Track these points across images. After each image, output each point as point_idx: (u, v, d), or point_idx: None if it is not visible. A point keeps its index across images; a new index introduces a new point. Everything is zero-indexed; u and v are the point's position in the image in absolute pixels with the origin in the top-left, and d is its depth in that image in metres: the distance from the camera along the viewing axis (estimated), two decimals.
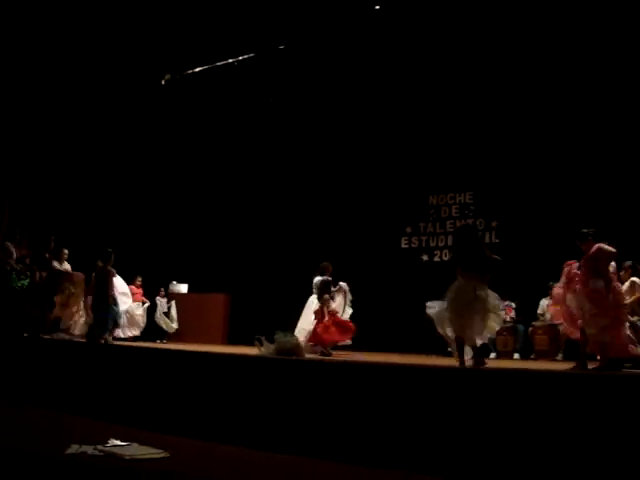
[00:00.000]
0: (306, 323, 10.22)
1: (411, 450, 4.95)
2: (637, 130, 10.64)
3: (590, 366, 6.66)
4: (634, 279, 8.20)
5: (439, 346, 8.74)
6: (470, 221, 12.26)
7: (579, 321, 6.74)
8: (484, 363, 6.81)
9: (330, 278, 10.27)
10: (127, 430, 5.30)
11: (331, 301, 10.13)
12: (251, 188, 14.96)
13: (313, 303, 10.32)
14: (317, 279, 10.37)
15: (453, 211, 12.91)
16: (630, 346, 6.59)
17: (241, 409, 5.79)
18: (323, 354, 9.35)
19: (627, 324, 6.94)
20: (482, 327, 6.68)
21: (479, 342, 6.85)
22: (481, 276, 6.72)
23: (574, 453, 4.41)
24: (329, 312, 9.89)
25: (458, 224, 12.29)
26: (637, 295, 8.06)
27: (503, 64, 11.90)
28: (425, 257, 13.02)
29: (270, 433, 5.52)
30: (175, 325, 13.63)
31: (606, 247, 6.72)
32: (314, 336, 9.72)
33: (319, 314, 9.85)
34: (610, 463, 4.28)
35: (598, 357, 6.66)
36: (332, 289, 10.32)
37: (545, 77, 11.58)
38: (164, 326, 13.51)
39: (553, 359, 10.13)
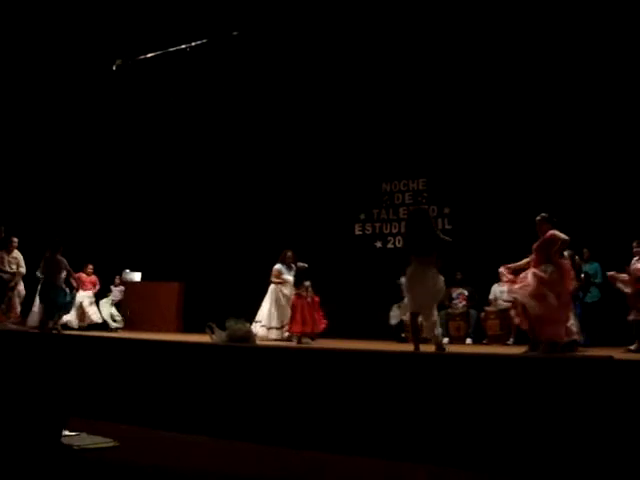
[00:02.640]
0: (272, 312, 10.28)
1: (365, 435, 5.00)
2: (591, 114, 10.85)
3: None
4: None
5: (393, 332, 8.84)
6: (423, 208, 12.35)
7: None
8: (444, 349, 6.97)
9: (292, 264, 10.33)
10: (76, 420, 5.24)
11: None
12: (204, 175, 14.81)
13: (274, 291, 10.41)
14: (277, 267, 10.43)
15: (406, 198, 13.00)
16: (571, 329, 6.79)
17: (193, 397, 5.77)
18: (300, 342, 9.27)
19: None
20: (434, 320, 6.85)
21: (439, 331, 7.03)
22: (435, 259, 6.84)
23: (526, 435, 4.52)
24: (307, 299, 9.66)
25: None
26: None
27: (453, 47, 11.97)
28: (379, 244, 13.09)
29: (223, 420, 5.51)
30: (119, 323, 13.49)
31: (560, 234, 6.88)
32: (296, 326, 9.49)
33: (300, 301, 9.59)
34: (558, 443, 4.40)
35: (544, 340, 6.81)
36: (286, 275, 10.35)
37: (495, 61, 11.68)
38: (109, 320, 13.31)
39: (505, 343, 10.30)
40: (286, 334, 9.96)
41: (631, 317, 7.97)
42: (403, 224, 12.56)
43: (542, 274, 6.69)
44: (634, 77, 10.30)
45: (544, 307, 6.59)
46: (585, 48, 10.77)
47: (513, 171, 11.50)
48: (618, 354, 6.56)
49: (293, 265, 10.45)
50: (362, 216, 13.36)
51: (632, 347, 7.81)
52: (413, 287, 6.77)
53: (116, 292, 13.58)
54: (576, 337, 7.55)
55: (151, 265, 14.43)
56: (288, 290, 10.34)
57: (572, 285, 7.14)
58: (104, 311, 13.22)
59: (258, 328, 9.99)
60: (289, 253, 10.54)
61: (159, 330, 12.49)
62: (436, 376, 5.17)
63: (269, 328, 10.24)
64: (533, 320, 6.77)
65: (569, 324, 6.91)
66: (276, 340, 10.01)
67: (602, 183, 10.58)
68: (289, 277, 10.44)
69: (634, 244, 8.29)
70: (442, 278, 6.90)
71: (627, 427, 4.32)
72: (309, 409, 5.37)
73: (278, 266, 10.51)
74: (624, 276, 8.23)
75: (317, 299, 9.80)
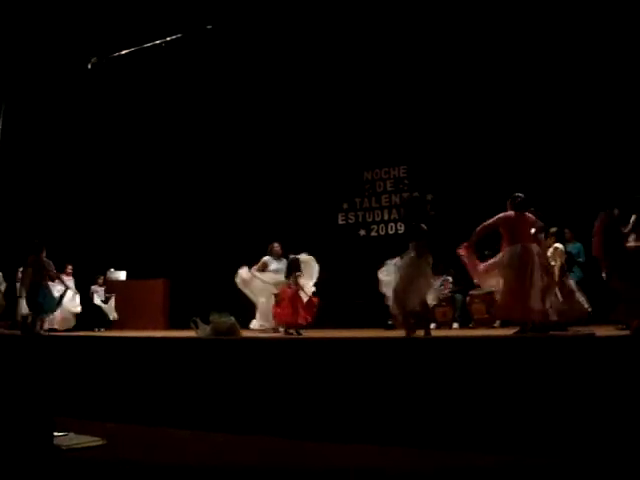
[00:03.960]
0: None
1: (356, 422, 5.01)
2: (568, 95, 10.92)
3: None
4: (557, 245, 8.43)
5: (379, 320, 8.85)
6: (405, 195, 12.37)
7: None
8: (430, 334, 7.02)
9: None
10: (64, 420, 5.21)
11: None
12: (186, 171, 14.76)
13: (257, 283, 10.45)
14: (265, 258, 10.46)
15: (388, 185, 13.03)
16: (550, 311, 6.83)
17: (180, 392, 5.76)
18: (288, 333, 9.22)
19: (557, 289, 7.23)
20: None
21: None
22: (429, 246, 6.93)
23: (513, 413, 4.57)
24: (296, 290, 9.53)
25: (394, 198, 12.42)
26: (560, 261, 8.27)
27: (431, 34, 11.97)
28: (362, 232, 13.12)
29: (210, 414, 5.51)
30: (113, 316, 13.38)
31: (530, 215, 6.94)
32: (284, 317, 9.40)
33: (288, 293, 9.45)
34: (546, 418, 4.45)
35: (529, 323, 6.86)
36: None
37: (473, 47, 11.71)
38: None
39: (491, 327, 10.33)
40: (274, 325, 9.93)
41: None
42: (386, 212, 12.58)
43: (502, 259, 6.80)
44: (608, 57, 10.34)
45: (512, 290, 6.67)
46: (558, 34, 10.82)
47: (493, 155, 11.54)
48: (603, 332, 6.64)
49: (282, 257, 10.45)
50: (345, 205, 13.36)
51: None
52: (408, 272, 6.87)
53: (100, 292, 13.47)
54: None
55: (136, 263, 14.36)
56: (268, 278, 10.38)
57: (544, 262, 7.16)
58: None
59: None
60: (276, 245, 10.57)
61: (146, 328, 12.44)
62: (435, 359, 5.20)
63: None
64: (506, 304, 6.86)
65: (549, 304, 6.93)
66: (263, 331, 10.02)
67: (582, 164, 10.63)
68: (276, 268, 10.45)
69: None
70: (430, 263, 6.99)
71: (610, 398, 4.37)
72: (298, 398, 5.38)
73: (266, 258, 10.54)
74: None
75: (315, 299, 9.68)
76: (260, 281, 10.42)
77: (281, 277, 9.99)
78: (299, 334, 9.12)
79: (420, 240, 6.91)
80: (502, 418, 4.64)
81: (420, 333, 6.88)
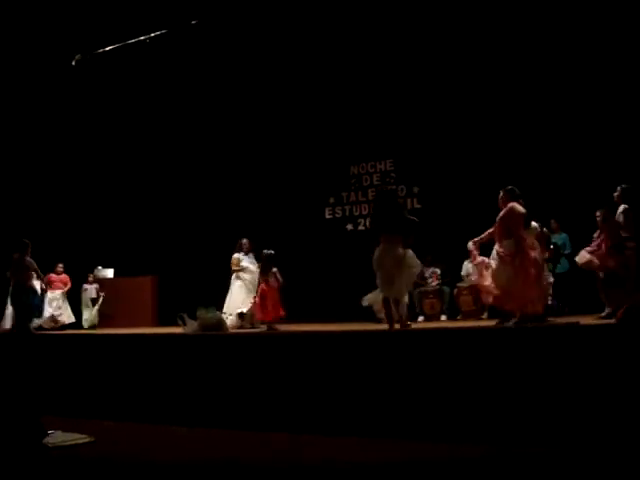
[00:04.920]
0: (238, 301, 10.28)
1: (341, 414, 5.03)
2: (554, 86, 10.94)
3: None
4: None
5: (367, 314, 8.87)
6: (389, 187, 12.36)
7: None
8: (409, 326, 7.05)
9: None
10: (52, 419, 5.21)
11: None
12: (172, 167, 14.70)
13: (238, 281, 10.45)
14: (235, 256, 10.44)
15: (374, 179, 13.04)
16: (538, 302, 6.88)
17: (168, 388, 5.77)
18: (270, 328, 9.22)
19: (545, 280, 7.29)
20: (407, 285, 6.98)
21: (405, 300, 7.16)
22: (403, 238, 6.95)
23: (502, 403, 4.62)
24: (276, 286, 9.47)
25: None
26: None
27: (416, 28, 11.96)
28: (350, 226, 13.13)
29: (198, 409, 5.52)
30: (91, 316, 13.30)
31: (518, 207, 6.95)
32: (264, 313, 9.29)
33: (269, 289, 9.36)
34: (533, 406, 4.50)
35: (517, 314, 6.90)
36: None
37: (458, 41, 11.70)
38: (85, 316, 13.20)
39: (479, 318, 10.37)
40: (256, 321, 9.90)
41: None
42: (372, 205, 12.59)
43: (502, 251, 6.81)
44: (594, 50, 10.39)
45: (510, 283, 6.71)
46: (541, 26, 10.88)
47: (480, 147, 11.56)
48: (588, 321, 6.70)
49: (251, 253, 10.55)
50: (332, 199, 13.38)
51: (604, 314, 7.88)
52: (381, 266, 6.92)
53: (91, 290, 13.43)
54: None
55: (124, 261, 14.32)
56: (249, 276, 10.41)
57: (540, 255, 7.19)
58: (86, 313, 13.15)
59: (228, 319, 9.97)
60: (244, 240, 10.61)
61: (135, 325, 12.42)
62: (424, 351, 5.23)
63: (236, 315, 10.22)
64: (502, 295, 6.88)
65: (537, 296, 6.97)
66: (240, 327, 10.04)
67: (569, 155, 10.67)
68: (248, 264, 10.50)
69: (597, 213, 8.33)
70: (413, 255, 7.04)
71: (595, 385, 4.42)
72: (285, 392, 5.39)
73: (237, 255, 10.56)
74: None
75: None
76: (244, 281, 10.51)
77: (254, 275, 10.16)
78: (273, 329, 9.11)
79: (394, 233, 6.94)
80: (491, 408, 4.68)
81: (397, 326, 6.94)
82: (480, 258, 7.45)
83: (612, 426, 4.22)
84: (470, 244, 7.52)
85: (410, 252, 7.04)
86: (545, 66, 10.98)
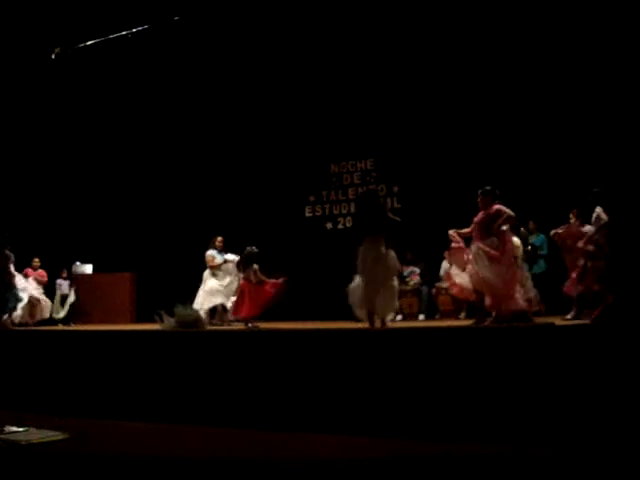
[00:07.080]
0: (208, 297, 10.29)
1: (323, 412, 5.04)
2: (532, 87, 11.03)
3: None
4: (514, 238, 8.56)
5: (346, 312, 8.88)
6: (372, 187, 12.38)
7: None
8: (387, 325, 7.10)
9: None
10: (25, 416, 5.17)
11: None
12: (152, 164, 14.61)
13: (209, 278, 10.55)
14: (209, 253, 10.55)
15: (355, 178, 13.07)
16: (521, 300, 6.95)
17: (145, 385, 5.75)
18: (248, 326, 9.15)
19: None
20: (392, 296, 6.99)
21: (390, 317, 7.23)
22: (386, 239, 7.02)
23: (480, 401, 4.65)
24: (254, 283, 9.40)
25: (360, 191, 12.42)
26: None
27: (398, 27, 11.98)
28: (329, 225, 13.14)
29: (175, 406, 5.51)
30: (63, 314, 13.15)
31: (505, 209, 7.03)
32: (246, 309, 9.22)
33: (248, 286, 9.31)
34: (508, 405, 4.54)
35: (493, 313, 6.95)
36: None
37: (439, 39, 11.76)
38: (54, 312, 12.96)
39: (456, 318, 10.43)
40: (231, 317, 9.91)
41: (577, 289, 7.99)
42: (353, 205, 12.60)
43: (488, 249, 6.85)
44: (567, 54, 10.47)
45: (493, 281, 6.76)
46: (523, 24, 10.94)
47: (459, 147, 11.64)
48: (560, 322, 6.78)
49: (224, 250, 10.68)
50: (312, 198, 13.38)
51: (569, 316, 7.95)
52: (365, 266, 6.94)
53: (64, 285, 13.26)
54: (536, 308, 7.92)
55: (102, 256, 14.22)
56: (222, 273, 10.53)
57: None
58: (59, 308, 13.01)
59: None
60: (219, 238, 10.71)
61: (113, 322, 12.35)
62: (403, 350, 5.24)
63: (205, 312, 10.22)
64: (484, 293, 6.94)
65: (518, 295, 7.03)
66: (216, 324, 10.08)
67: (546, 155, 10.77)
68: (221, 261, 10.59)
69: (571, 215, 8.43)
70: (394, 256, 7.10)
71: (568, 384, 4.47)
72: (264, 389, 5.40)
73: (210, 252, 10.63)
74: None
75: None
76: (216, 278, 10.55)
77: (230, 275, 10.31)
78: (252, 327, 9.08)
79: (377, 234, 7.00)
80: (469, 407, 4.71)
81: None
82: (457, 245, 7.53)
83: (591, 425, 4.26)
84: (451, 231, 7.59)
85: (392, 253, 7.09)
86: (522, 69, 11.07)
